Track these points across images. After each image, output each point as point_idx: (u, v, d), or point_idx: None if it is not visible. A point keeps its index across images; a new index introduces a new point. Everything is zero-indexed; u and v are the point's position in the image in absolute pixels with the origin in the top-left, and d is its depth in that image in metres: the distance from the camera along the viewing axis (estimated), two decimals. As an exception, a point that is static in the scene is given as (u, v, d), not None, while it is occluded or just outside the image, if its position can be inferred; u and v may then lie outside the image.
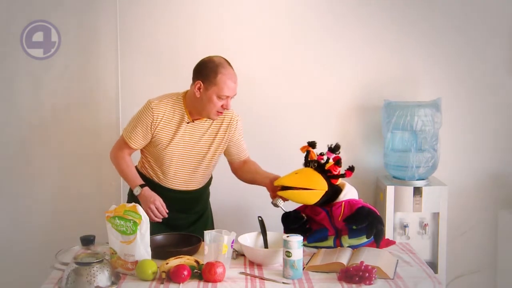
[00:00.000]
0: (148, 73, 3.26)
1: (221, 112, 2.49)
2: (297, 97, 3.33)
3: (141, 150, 2.66)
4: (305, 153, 2.45)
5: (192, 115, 2.53)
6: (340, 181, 2.39)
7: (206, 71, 2.44)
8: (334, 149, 2.37)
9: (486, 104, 3.38)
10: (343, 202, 2.32)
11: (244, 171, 2.69)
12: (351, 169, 2.34)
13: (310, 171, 2.37)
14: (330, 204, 2.35)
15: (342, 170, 2.35)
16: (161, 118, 2.50)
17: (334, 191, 2.35)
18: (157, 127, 2.50)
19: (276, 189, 2.40)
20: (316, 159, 2.39)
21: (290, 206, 2.44)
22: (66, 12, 3.24)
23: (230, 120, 2.60)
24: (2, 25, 3.25)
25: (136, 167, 2.70)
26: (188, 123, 2.53)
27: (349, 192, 2.36)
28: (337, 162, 2.33)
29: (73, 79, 3.29)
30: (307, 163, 2.43)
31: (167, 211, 2.48)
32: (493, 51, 3.34)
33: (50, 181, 3.35)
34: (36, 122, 3.32)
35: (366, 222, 2.23)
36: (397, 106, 3.14)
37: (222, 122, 2.59)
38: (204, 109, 2.48)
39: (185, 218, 2.68)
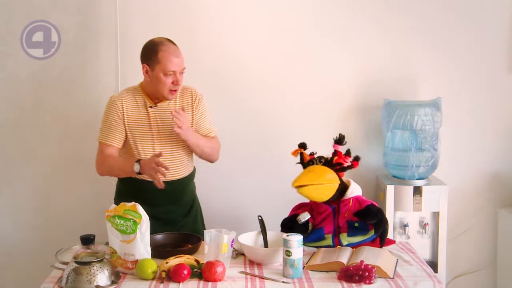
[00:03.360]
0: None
1: (174, 90, 2.50)
2: (297, 96, 3.32)
3: (123, 151, 2.64)
4: (299, 156, 2.45)
5: (153, 99, 2.57)
6: (345, 178, 2.41)
7: (148, 52, 2.50)
8: (340, 140, 2.39)
9: (486, 104, 3.37)
10: (351, 199, 2.35)
11: None
12: (356, 158, 2.38)
13: (321, 168, 2.37)
14: (337, 201, 2.36)
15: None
16: (125, 106, 2.54)
17: (342, 187, 2.37)
18: (124, 115, 2.54)
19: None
20: (309, 159, 2.41)
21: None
22: (66, 12, 3.24)
23: (191, 95, 2.61)
24: (2, 25, 3.25)
25: None
26: (151, 107, 2.56)
27: (355, 189, 2.39)
28: (347, 152, 2.37)
29: (73, 79, 3.29)
30: (305, 165, 2.43)
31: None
32: (493, 51, 3.33)
33: (50, 180, 3.34)
34: (36, 122, 3.31)
35: (377, 219, 2.27)
36: (397, 106, 3.14)
37: (184, 99, 2.59)
38: (158, 91, 2.52)
39: (176, 210, 2.68)
